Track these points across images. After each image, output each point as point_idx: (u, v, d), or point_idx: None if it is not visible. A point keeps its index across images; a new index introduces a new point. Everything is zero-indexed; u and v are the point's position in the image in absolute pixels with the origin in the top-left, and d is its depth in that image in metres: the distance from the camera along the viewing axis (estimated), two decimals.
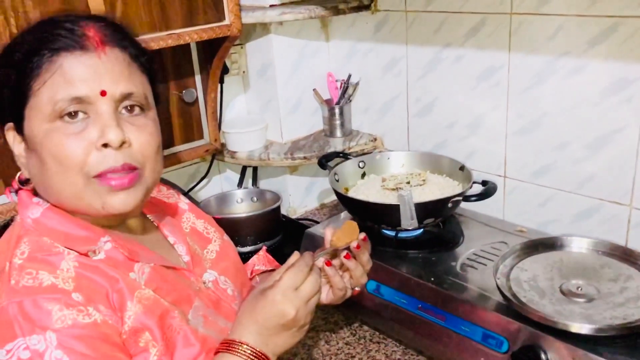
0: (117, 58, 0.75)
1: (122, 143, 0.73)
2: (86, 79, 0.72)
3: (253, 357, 0.75)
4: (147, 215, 0.91)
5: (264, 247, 1.19)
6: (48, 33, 0.73)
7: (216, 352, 0.77)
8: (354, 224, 0.91)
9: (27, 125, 0.73)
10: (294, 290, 0.77)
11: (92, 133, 0.72)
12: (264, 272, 1.12)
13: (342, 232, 0.90)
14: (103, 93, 0.72)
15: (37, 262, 0.71)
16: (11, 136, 0.77)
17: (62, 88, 0.71)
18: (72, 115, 0.72)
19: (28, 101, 0.72)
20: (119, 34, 0.77)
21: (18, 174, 0.80)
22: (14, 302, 0.67)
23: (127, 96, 0.75)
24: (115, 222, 0.81)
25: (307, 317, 0.79)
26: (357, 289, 0.95)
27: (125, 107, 0.75)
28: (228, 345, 0.76)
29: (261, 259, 1.15)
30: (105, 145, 0.72)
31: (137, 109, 0.76)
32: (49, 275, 0.70)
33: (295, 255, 0.83)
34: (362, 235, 0.91)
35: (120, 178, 0.73)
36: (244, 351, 0.75)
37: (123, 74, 0.74)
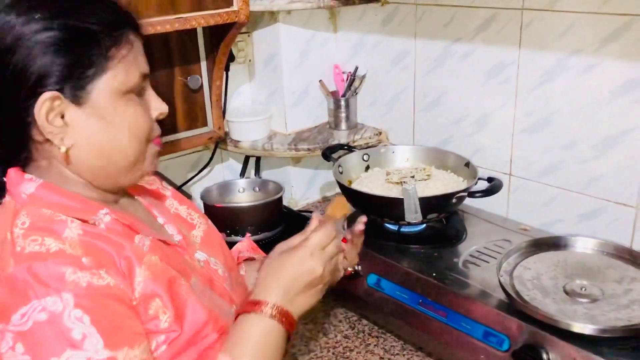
0: None
1: None
2: (144, 57, 0.79)
3: (280, 316, 0.76)
4: (136, 197, 0.91)
5: (248, 234, 1.19)
6: (113, 9, 0.76)
7: (238, 315, 0.78)
8: (343, 198, 0.96)
9: (97, 96, 0.73)
10: (322, 249, 0.81)
11: (152, 106, 0.80)
12: (247, 259, 1.12)
13: (335, 205, 0.93)
14: (150, 71, 0.79)
15: (41, 230, 0.70)
16: (48, 105, 0.71)
17: (136, 64, 0.76)
18: (138, 90, 0.78)
19: (104, 74, 0.73)
20: None
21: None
22: (23, 266, 0.66)
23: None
24: (113, 198, 0.83)
25: (329, 275, 0.83)
26: (349, 269, 0.98)
27: None
28: (253, 305, 0.77)
29: (245, 246, 1.15)
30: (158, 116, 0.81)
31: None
32: (55, 241, 0.69)
33: (315, 220, 0.86)
34: (364, 218, 0.95)
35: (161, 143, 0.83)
36: (270, 310, 0.76)
37: None
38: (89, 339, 0.64)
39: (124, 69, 0.75)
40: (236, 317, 0.78)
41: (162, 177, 1.05)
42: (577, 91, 1.21)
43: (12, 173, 0.76)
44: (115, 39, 0.74)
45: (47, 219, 0.72)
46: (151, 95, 0.80)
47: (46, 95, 0.71)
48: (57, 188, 0.75)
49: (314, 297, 0.82)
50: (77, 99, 0.73)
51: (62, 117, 0.73)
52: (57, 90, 0.71)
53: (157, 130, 0.82)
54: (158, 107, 0.81)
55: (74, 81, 0.72)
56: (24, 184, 0.75)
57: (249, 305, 0.78)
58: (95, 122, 0.74)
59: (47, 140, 0.73)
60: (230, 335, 0.77)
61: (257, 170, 1.72)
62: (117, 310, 0.68)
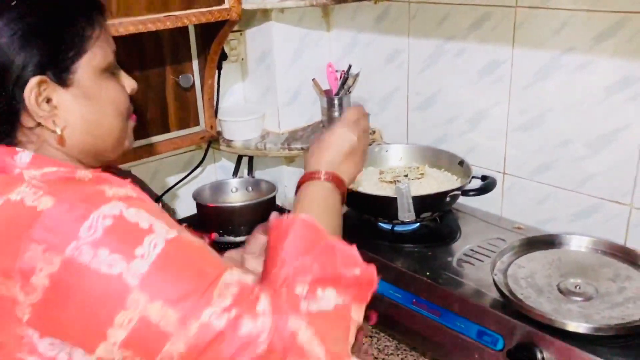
0: None
1: None
2: (110, 36, 0.82)
3: (333, 180, 0.88)
4: None
5: (213, 235, 1.19)
6: None
7: (300, 185, 0.89)
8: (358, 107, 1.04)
9: (81, 76, 0.76)
10: (355, 122, 0.94)
11: (124, 83, 0.84)
12: None
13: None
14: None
15: (53, 179, 0.71)
16: (36, 90, 0.73)
17: (108, 43, 0.80)
18: (113, 68, 0.82)
19: (85, 54, 0.76)
20: None
21: None
22: (62, 196, 0.67)
23: None
24: None
25: (364, 145, 0.96)
26: None
27: None
28: (311, 175, 0.88)
29: None
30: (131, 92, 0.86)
31: None
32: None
33: (350, 110, 0.99)
34: None
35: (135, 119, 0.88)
36: (325, 176, 0.88)
37: None
38: (155, 224, 0.68)
39: (100, 47, 0.78)
40: (298, 188, 0.89)
41: (119, 174, 1.05)
42: (571, 89, 1.21)
43: (2, 149, 0.76)
44: (88, 20, 0.77)
45: (55, 171, 0.73)
46: (121, 72, 0.85)
47: (33, 81, 0.72)
48: (49, 158, 0.76)
49: (357, 165, 0.94)
50: (62, 81, 0.75)
51: (50, 100, 0.74)
52: (42, 74, 0.73)
53: (132, 106, 0.86)
54: (129, 83, 0.86)
55: (58, 64, 0.74)
56: (17, 155, 0.75)
57: (308, 176, 0.89)
58: (83, 101, 0.77)
59: (39, 124, 0.75)
60: (298, 201, 0.87)
61: (250, 170, 1.71)
62: (163, 213, 0.73)
